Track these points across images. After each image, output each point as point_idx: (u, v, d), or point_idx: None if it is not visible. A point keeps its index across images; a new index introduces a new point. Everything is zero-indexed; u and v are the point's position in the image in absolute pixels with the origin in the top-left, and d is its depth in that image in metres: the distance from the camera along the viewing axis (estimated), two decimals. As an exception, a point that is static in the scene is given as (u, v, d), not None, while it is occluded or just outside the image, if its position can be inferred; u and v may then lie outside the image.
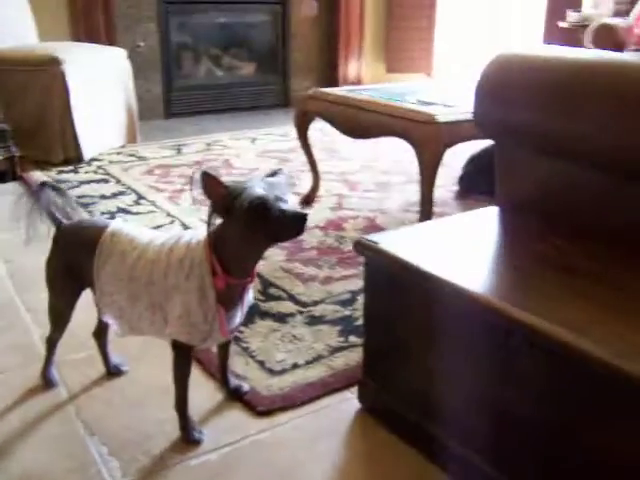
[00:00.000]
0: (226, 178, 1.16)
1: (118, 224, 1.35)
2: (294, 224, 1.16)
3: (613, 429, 0.93)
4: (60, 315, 1.41)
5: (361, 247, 1.29)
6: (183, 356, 1.29)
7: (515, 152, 1.49)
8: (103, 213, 2.59)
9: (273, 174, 1.24)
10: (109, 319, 1.38)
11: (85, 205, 2.68)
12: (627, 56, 1.30)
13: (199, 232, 1.26)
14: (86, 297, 1.39)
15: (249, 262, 1.23)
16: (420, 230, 1.39)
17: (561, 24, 4.09)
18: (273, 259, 2.12)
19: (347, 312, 1.80)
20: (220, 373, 1.45)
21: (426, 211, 2.19)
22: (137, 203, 2.74)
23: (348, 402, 1.43)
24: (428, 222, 1.59)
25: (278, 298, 1.88)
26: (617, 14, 3.91)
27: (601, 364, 0.87)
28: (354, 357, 1.57)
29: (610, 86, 1.23)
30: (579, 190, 1.34)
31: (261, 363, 1.55)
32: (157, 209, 2.67)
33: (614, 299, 1.05)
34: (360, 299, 1.86)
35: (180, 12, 4.55)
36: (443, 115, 2.09)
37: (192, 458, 1.26)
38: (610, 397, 0.91)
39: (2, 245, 2.28)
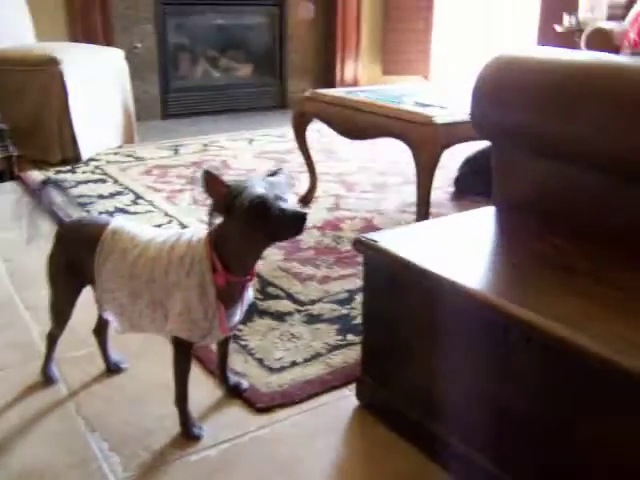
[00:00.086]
0: (225, 178, 1.17)
1: (119, 222, 1.36)
2: (294, 223, 1.17)
3: (611, 424, 0.94)
4: (61, 312, 1.42)
5: (360, 245, 1.30)
6: (183, 353, 1.30)
7: (512, 153, 1.51)
8: (101, 213, 2.60)
9: (273, 174, 1.26)
10: (109, 316, 1.39)
11: (83, 205, 2.69)
12: (623, 58, 1.31)
13: (200, 230, 1.27)
14: (86, 295, 1.40)
15: (249, 260, 1.24)
16: (418, 229, 1.40)
17: (556, 28, 4.12)
18: (271, 259, 2.14)
19: (345, 311, 1.81)
20: (219, 370, 1.47)
21: (423, 212, 2.20)
22: (135, 203, 2.75)
23: (346, 399, 1.45)
24: (426, 221, 1.61)
25: (276, 297, 1.89)
26: (612, 18, 3.94)
27: (599, 360, 0.89)
28: (352, 355, 1.58)
29: (606, 88, 1.25)
30: (576, 191, 1.35)
31: (260, 361, 1.56)
32: (155, 209, 2.68)
33: (612, 298, 1.06)
34: (358, 298, 1.87)
35: (177, 13, 4.56)
36: (440, 117, 2.11)
37: (192, 454, 1.27)
38: (608, 392, 0.93)
39: (1, 244, 2.29)
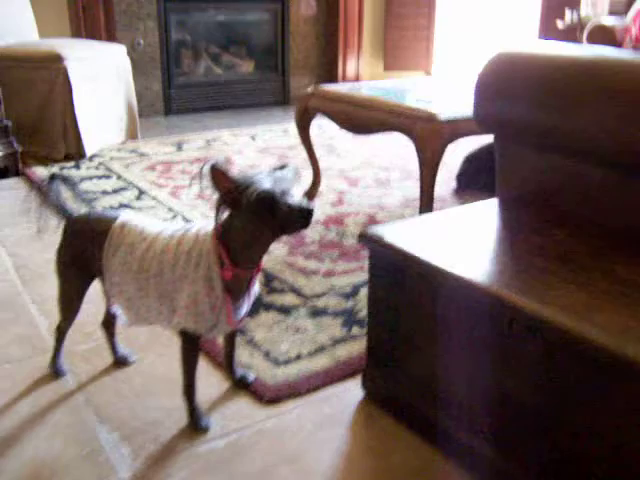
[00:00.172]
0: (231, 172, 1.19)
1: (127, 216, 1.37)
2: (300, 217, 1.18)
3: (615, 414, 0.96)
4: (69, 305, 1.44)
5: (366, 239, 1.31)
6: (191, 345, 1.31)
7: (515, 147, 1.52)
8: (105, 209, 2.61)
9: (280, 168, 1.27)
10: (117, 309, 1.40)
11: (87, 201, 2.70)
12: (626, 53, 1.33)
13: (207, 224, 1.28)
14: (93, 290, 1.42)
15: (256, 254, 1.26)
16: (423, 222, 1.42)
17: (558, 23, 4.12)
18: (275, 253, 2.16)
19: (349, 304, 1.83)
20: (226, 363, 1.48)
21: (426, 207, 2.22)
22: (139, 199, 2.77)
23: (351, 391, 1.46)
24: (430, 215, 1.62)
25: (281, 291, 1.91)
26: (613, 14, 3.95)
27: (603, 350, 0.90)
28: (357, 348, 1.60)
29: (609, 82, 1.26)
30: (579, 184, 1.37)
31: (266, 354, 1.58)
32: (159, 204, 2.69)
33: (614, 290, 1.07)
34: (362, 292, 1.89)
35: (180, 10, 4.57)
36: (444, 112, 2.12)
37: (200, 444, 1.29)
38: (612, 382, 0.94)
39: (7, 239, 2.30)
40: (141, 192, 2.85)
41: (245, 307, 1.33)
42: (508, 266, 1.19)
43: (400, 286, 1.29)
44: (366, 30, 5.20)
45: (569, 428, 1.03)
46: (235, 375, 1.48)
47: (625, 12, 3.86)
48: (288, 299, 1.86)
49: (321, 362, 1.55)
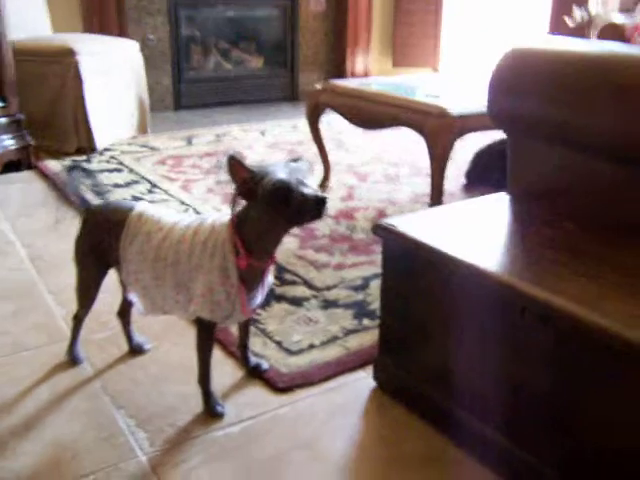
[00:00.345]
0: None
1: (144, 206, 1.40)
2: (315, 207, 1.20)
3: (629, 401, 0.98)
4: (87, 293, 1.46)
5: (380, 230, 1.34)
6: (206, 333, 1.34)
7: (527, 142, 1.54)
8: (122, 199, 2.64)
9: (295, 160, 1.29)
10: (134, 297, 1.43)
11: (99, 194, 2.73)
12: (636, 49, 1.34)
13: (223, 215, 1.31)
14: (108, 280, 1.44)
15: (270, 244, 1.28)
16: (435, 214, 1.44)
17: (567, 21, 4.13)
18: (287, 246, 2.18)
19: (360, 297, 1.85)
20: (240, 352, 1.51)
21: (436, 201, 2.24)
22: (150, 192, 2.80)
23: (363, 381, 1.49)
24: (442, 207, 1.64)
25: (293, 283, 1.93)
26: (623, 11, 3.95)
27: (616, 337, 0.92)
28: (368, 339, 1.62)
29: (621, 78, 1.27)
30: (589, 179, 1.39)
31: (279, 343, 1.60)
32: (170, 197, 2.72)
33: (623, 281, 1.10)
34: (372, 284, 1.91)
35: (190, 5, 4.60)
36: (454, 107, 2.14)
37: (215, 430, 1.32)
38: (624, 371, 0.96)
39: (22, 230, 2.34)
40: (153, 185, 2.88)
41: (259, 297, 1.35)
42: (519, 257, 1.21)
43: (412, 275, 1.31)
44: (375, 26, 5.21)
45: (582, 416, 1.05)
46: (249, 364, 1.50)
47: (635, 9, 3.86)
48: (300, 291, 1.88)
49: (333, 352, 1.57)
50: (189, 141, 3.71)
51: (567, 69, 1.37)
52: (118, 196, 2.71)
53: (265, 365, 1.51)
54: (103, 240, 1.39)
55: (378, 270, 1.94)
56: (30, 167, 3.11)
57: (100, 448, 1.26)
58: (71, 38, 3.46)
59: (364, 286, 1.92)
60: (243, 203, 1.25)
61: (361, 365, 1.53)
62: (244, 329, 1.48)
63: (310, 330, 1.67)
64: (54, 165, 3.12)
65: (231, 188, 1.23)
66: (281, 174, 1.19)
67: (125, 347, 1.59)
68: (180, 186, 2.88)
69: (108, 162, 3.24)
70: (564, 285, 1.07)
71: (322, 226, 2.39)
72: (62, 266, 1.99)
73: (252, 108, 4.73)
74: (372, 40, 5.20)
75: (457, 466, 1.26)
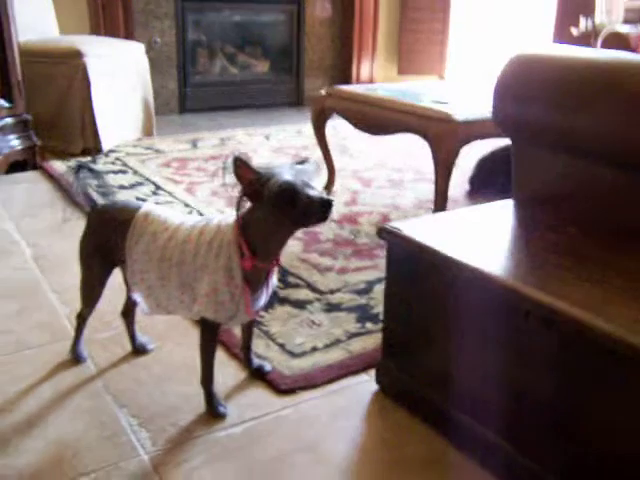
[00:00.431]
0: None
1: (150, 206, 1.41)
2: (320, 209, 1.20)
3: (631, 407, 0.98)
4: (91, 293, 1.47)
5: (385, 233, 1.34)
6: (210, 334, 1.34)
7: (532, 149, 1.54)
8: (128, 199, 2.65)
9: (301, 162, 1.30)
10: (138, 297, 1.43)
11: (104, 195, 2.73)
12: (643, 57, 1.35)
13: (229, 216, 1.31)
14: (111, 279, 1.45)
15: (275, 246, 1.28)
16: (440, 219, 1.45)
17: (573, 31, 4.14)
18: (290, 250, 2.18)
19: (363, 300, 1.85)
20: (243, 353, 1.51)
21: (440, 207, 2.24)
22: (155, 194, 2.81)
23: (366, 384, 1.49)
24: (447, 212, 1.65)
25: (296, 286, 1.94)
26: (628, 22, 3.96)
27: (620, 341, 0.93)
28: (371, 342, 1.62)
29: (626, 85, 1.28)
30: (593, 185, 1.39)
31: (282, 346, 1.61)
32: (175, 200, 2.73)
33: (628, 287, 1.10)
34: (376, 289, 1.92)
35: (197, 9, 4.62)
36: (459, 113, 2.15)
37: (218, 431, 1.32)
38: (628, 376, 0.96)
39: (26, 230, 2.34)
40: (157, 187, 2.89)
41: (263, 298, 1.35)
42: (523, 262, 1.22)
43: (416, 279, 1.31)
44: (381, 33, 5.24)
45: (585, 421, 1.05)
46: (252, 365, 1.51)
47: (639, 20, 3.87)
48: (303, 294, 1.89)
49: (336, 355, 1.58)
50: (194, 144, 3.72)
51: (572, 75, 1.38)
52: (123, 197, 2.72)
53: (268, 367, 1.51)
54: (109, 239, 1.39)
55: (381, 274, 1.95)
56: (35, 167, 3.13)
57: (102, 447, 1.26)
58: (79, 40, 3.48)
59: (367, 290, 1.92)
60: (248, 204, 1.25)
61: (364, 368, 1.53)
62: (247, 331, 1.49)
63: (313, 333, 1.67)
64: (59, 166, 3.13)
65: (236, 190, 1.23)
66: (287, 176, 1.20)
67: (128, 347, 1.59)
68: (184, 188, 2.89)
69: (113, 163, 3.25)
70: (568, 289, 1.07)
71: (326, 230, 2.39)
72: (66, 266, 2.00)
73: (257, 113, 4.75)
74: (378, 47, 5.23)
75: (458, 470, 1.26)
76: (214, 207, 2.64)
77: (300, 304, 1.82)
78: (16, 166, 3.06)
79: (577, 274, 1.14)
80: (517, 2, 5.10)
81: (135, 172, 3.12)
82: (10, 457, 1.23)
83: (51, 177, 3.00)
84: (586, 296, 1.05)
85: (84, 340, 1.56)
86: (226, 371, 1.50)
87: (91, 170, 1.46)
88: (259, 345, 1.60)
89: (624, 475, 1.01)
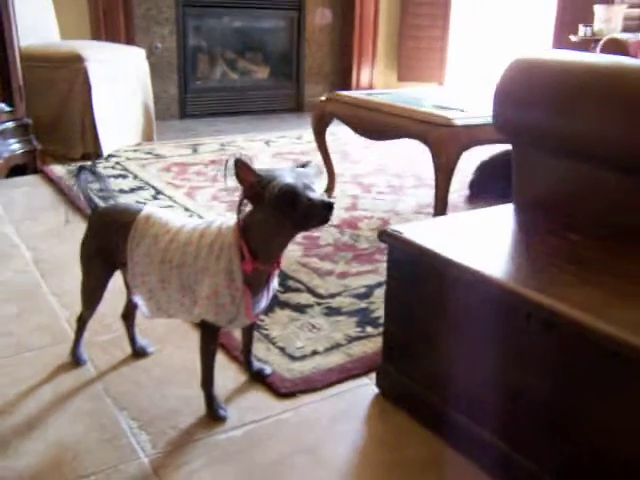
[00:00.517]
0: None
1: (152, 208, 1.41)
2: (321, 211, 1.21)
3: (630, 408, 0.98)
4: (92, 295, 1.47)
5: (386, 236, 1.34)
6: (210, 336, 1.34)
7: (533, 153, 1.55)
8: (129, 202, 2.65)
9: (302, 165, 1.30)
10: (139, 300, 1.43)
11: (104, 199, 2.73)
12: (642, 62, 1.35)
13: (230, 219, 1.31)
14: (112, 283, 1.45)
15: (276, 248, 1.28)
16: (440, 223, 1.45)
17: (572, 38, 4.16)
18: (290, 254, 2.18)
19: (363, 305, 1.85)
20: (244, 356, 1.51)
21: (440, 212, 2.25)
22: (155, 198, 2.81)
23: (366, 387, 1.49)
24: (447, 216, 1.65)
25: (297, 290, 1.94)
26: (627, 30, 3.98)
27: (622, 344, 0.93)
28: (371, 346, 1.62)
29: (626, 90, 1.29)
30: (595, 188, 1.39)
31: (282, 349, 1.60)
32: (175, 204, 2.73)
33: (629, 290, 1.10)
34: (376, 293, 1.92)
35: (198, 15, 4.64)
36: (460, 119, 2.16)
37: (218, 434, 1.32)
38: (630, 377, 0.96)
39: (26, 233, 2.34)
40: (157, 192, 2.89)
41: (264, 301, 1.36)
42: (524, 265, 1.22)
43: (417, 282, 1.31)
44: (381, 40, 5.26)
45: (583, 422, 1.05)
46: (252, 368, 1.50)
47: (638, 29, 3.89)
48: (303, 298, 1.89)
49: (336, 359, 1.57)
50: (194, 149, 3.73)
51: (572, 80, 1.39)
52: (122, 202, 2.72)
53: (268, 370, 1.51)
54: (110, 242, 1.40)
55: (382, 279, 1.95)
56: (36, 171, 3.14)
57: (102, 449, 1.26)
58: (80, 45, 3.49)
59: (367, 294, 1.92)
60: (249, 207, 1.26)
61: (364, 372, 1.53)
62: (248, 334, 1.49)
63: (313, 337, 1.67)
64: (60, 170, 3.14)
65: (237, 193, 1.23)
66: (288, 178, 1.20)
67: (128, 349, 1.59)
68: (185, 193, 2.89)
69: (113, 168, 3.26)
70: (569, 292, 1.07)
71: (326, 235, 2.39)
72: (66, 269, 2.00)
73: (257, 118, 4.76)
74: (378, 53, 5.25)
75: (458, 472, 1.26)
76: (214, 211, 2.64)
77: (300, 308, 1.82)
78: (16, 170, 3.06)
79: (578, 277, 1.14)
80: (516, 10, 5.12)
81: (135, 176, 3.12)
82: (10, 459, 1.23)
83: (51, 181, 3.01)
84: (587, 298, 1.05)
85: (84, 343, 1.56)
86: (226, 374, 1.50)
87: (93, 172, 1.46)
88: (259, 348, 1.60)
89: (620, 475, 1.01)
